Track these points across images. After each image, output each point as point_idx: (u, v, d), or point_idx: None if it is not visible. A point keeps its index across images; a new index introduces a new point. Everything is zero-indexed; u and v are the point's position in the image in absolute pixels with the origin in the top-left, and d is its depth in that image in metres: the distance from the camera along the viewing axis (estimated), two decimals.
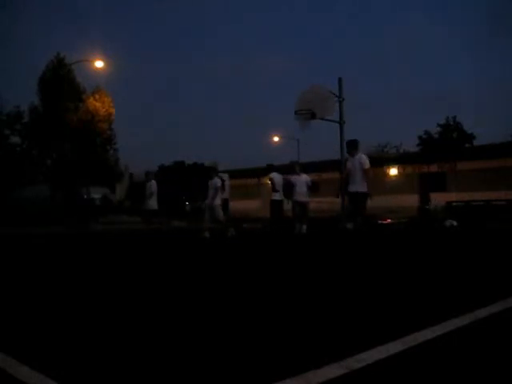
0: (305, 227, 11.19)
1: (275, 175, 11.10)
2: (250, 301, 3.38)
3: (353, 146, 8.14)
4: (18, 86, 56.80)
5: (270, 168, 11.46)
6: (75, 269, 5.43)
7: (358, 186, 7.82)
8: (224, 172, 12.57)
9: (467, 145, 39.58)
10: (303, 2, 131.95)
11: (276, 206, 10.96)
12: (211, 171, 10.62)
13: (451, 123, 43.01)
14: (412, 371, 1.86)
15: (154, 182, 11.69)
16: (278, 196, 10.84)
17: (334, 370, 1.82)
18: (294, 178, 11.38)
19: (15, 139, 30.48)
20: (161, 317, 2.85)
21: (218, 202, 10.39)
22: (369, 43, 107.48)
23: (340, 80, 15.28)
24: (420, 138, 43.61)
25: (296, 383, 1.71)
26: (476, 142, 39.66)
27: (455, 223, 18.71)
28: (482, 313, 2.75)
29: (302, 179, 11.35)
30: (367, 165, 7.84)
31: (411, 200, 20.81)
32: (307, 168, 29.51)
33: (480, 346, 2.20)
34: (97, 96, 32.09)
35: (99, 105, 31.84)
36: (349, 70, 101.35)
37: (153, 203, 11.58)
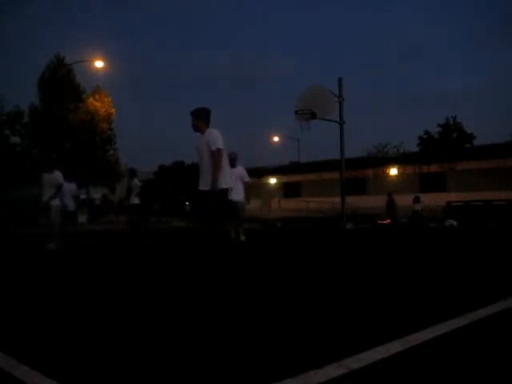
0: (241, 235, 8.72)
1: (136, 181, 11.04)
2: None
3: (201, 118, 5.00)
4: (18, 86, 56.86)
5: (133, 172, 11.16)
6: (73, 269, 5.43)
7: (209, 180, 4.77)
8: None
9: (467, 145, 39.64)
10: (303, 2, 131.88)
11: (134, 209, 10.86)
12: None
13: (451, 123, 43.10)
14: (412, 371, 1.86)
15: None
16: (137, 200, 10.63)
17: (333, 370, 1.82)
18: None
19: (15, 139, 30.49)
20: (161, 316, 2.85)
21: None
22: (369, 43, 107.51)
23: (340, 80, 15.27)
24: (420, 138, 43.70)
25: (296, 383, 1.71)
26: (476, 142, 39.75)
27: (455, 223, 18.72)
28: (482, 313, 2.74)
29: (237, 172, 8.69)
30: (215, 145, 4.79)
31: (411, 200, 20.78)
32: (307, 168, 29.67)
33: (480, 346, 2.20)
34: (97, 96, 32.07)
35: (99, 105, 31.81)
36: (349, 69, 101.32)
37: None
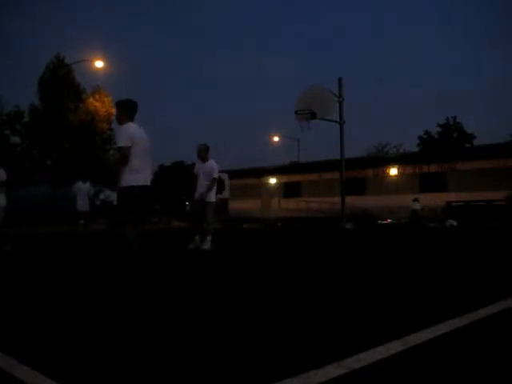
0: (209, 239, 7.43)
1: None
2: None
3: (122, 110, 4.71)
4: (18, 86, 56.83)
5: None
6: (73, 269, 5.42)
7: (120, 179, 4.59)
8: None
9: (467, 145, 39.67)
10: (303, 2, 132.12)
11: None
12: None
13: (451, 123, 43.13)
14: (412, 371, 1.86)
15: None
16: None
17: (333, 370, 1.81)
18: (197, 166, 7.81)
19: (15, 139, 30.51)
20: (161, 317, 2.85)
21: None
22: (369, 43, 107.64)
23: (340, 80, 15.29)
24: (420, 138, 43.73)
25: (296, 383, 1.71)
26: (476, 142, 39.78)
27: (455, 223, 18.74)
28: (482, 313, 2.74)
29: (207, 167, 7.58)
30: (117, 142, 4.69)
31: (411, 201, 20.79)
32: (307, 168, 29.66)
33: (480, 346, 2.20)
34: (97, 96, 32.07)
35: (99, 105, 31.82)
36: (349, 69, 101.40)
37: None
